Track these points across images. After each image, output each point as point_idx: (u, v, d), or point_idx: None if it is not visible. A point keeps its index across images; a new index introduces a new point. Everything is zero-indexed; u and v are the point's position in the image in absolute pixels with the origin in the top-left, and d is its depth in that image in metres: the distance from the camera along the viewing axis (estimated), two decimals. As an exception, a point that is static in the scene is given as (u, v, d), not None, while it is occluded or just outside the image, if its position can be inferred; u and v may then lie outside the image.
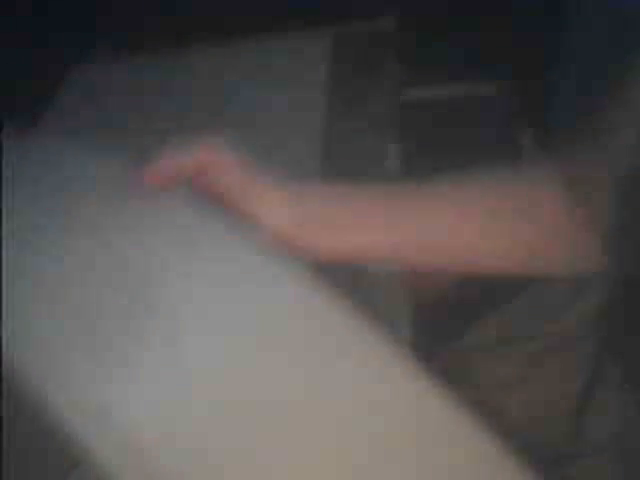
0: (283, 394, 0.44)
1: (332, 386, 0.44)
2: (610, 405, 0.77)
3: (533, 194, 0.57)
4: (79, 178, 0.57)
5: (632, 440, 0.70)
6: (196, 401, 0.44)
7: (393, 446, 0.42)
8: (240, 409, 0.44)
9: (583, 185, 0.55)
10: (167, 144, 0.55)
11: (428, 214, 0.57)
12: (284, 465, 0.41)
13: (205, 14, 1.15)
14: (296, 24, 1.16)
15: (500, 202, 0.57)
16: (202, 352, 0.46)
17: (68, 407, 0.44)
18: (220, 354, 0.46)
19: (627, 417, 0.73)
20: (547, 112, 1.22)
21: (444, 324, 0.91)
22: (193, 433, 0.43)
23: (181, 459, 0.42)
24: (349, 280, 0.83)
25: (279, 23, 1.15)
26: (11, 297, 0.48)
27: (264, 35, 1.17)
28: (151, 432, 0.43)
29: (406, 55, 1.16)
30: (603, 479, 0.75)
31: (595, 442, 0.75)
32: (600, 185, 0.54)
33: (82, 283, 0.50)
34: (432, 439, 0.44)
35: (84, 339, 0.47)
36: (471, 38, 1.27)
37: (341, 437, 0.42)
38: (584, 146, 0.56)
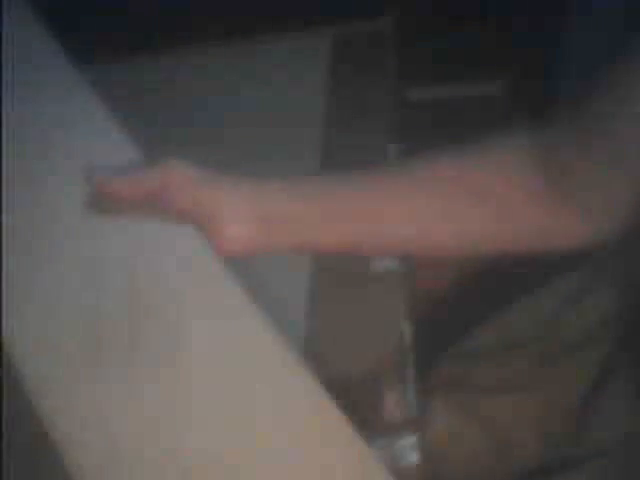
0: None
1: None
2: (615, 407, 0.77)
3: (496, 172, 0.57)
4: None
5: None
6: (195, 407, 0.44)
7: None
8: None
9: (566, 155, 0.55)
10: (127, 169, 0.56)
11: (390, 205, 0.57)
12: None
13: (205, 14, 1.15)
14: (296, 24, 1.15)
15: (460, 184, 0.57)
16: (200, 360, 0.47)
17: (65, 409, 0.44)
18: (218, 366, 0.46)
19: (636, 418, 0.72)
20: (547, 112, 1.22)
21: (445, 327, 0.91)
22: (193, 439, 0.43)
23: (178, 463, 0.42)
24: (349, 280, 0.83)
25: (279, 23, 1.14)
26: (11, 298, 0.48)
27: (264, 35, 1.17)
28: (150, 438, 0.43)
29: (406, 55, 1.16)
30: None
31: (598, 444, 0.75)
32: (584, 154, 0.54)
33: (82, 285, 0.50)
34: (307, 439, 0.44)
35: (83, 341, 0.47)
36: (471, 38, 1.27)
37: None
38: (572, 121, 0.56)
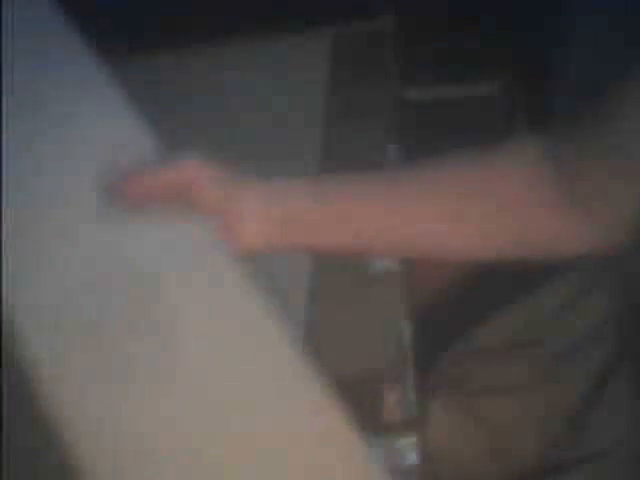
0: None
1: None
2: (616, 407, 0.77)
3: (508, 178, 0.57)
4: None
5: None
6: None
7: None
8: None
9: (578, 163, 0.55)
10: (147, 163, 0.55)
11: (406, 210, 0.58)
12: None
13: (205, 14, 1.15)
14: (296, 24, 1.15)
15: (473, 192, 0.57)
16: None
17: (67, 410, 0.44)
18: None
19: (636, 418, 0.72)
20: (547, 112, 1.22)
21: (445, 327, 0.91)
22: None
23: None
24: (349, 280, 0.83)
25: (279, 23, 1.14)
26: (12, 296, 0.48)
27: (264, 35, 1.17)
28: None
29: (406, 55, 1.16)
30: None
31: (598, 444, 0.75)
32: (600, 165, 0.54)
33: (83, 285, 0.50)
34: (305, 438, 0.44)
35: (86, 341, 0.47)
36: (471, 38, 1.27)
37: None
38: (583, 130, 0.56)
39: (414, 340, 0.79)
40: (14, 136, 0.57)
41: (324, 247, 0.60)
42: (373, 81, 1.10)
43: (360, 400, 0.72)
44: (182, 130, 1.05)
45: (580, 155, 0.56)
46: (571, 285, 0.84)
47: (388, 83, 1.10)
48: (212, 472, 0.43)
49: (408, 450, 0.68)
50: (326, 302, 0.81)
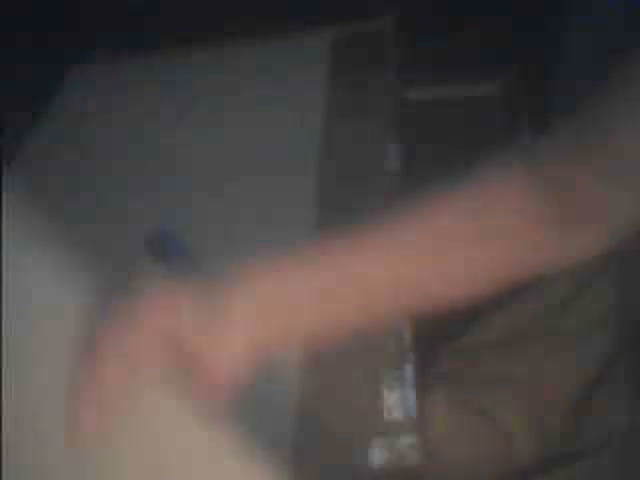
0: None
1: None
2: (614, 406, 0.77)
3: (502, 215, 0.55)
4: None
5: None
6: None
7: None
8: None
9: (566, 171, 0.55)
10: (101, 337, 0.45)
11: (409, 272, 0.54)
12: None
13: (205, 14, 1.15)
14: (296, 24, 1.16)
15: (472, 239, 0.55)
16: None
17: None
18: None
19: (634, 417, 0.72)
20: (547, 112, 1.22)
21: (444, 323, 0.91)
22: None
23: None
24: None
25: (279, 23, 1.15)
26: (11, 306, 0.48)
27: (264, 35, 1.17)
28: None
29: (406, 55, 1.16)
30: (603, 479, 0.75)
31: (597, 443, 0.75)
32: (584, 169, 0.54)
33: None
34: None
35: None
36: (471, 38, 1.27)
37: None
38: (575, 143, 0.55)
39: (414, 340, 0.79)
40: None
41: (308, 331, 0.55)
42: (373, 81, 1.10)
43: (360, 400, 0.72)
44: (182, 130, 1.05)
45: (563, 157, 0.55)
46: (571, 284, 0.84)
47: (388, 83, 1.10)
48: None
49: (408, 450, 0.68)
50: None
